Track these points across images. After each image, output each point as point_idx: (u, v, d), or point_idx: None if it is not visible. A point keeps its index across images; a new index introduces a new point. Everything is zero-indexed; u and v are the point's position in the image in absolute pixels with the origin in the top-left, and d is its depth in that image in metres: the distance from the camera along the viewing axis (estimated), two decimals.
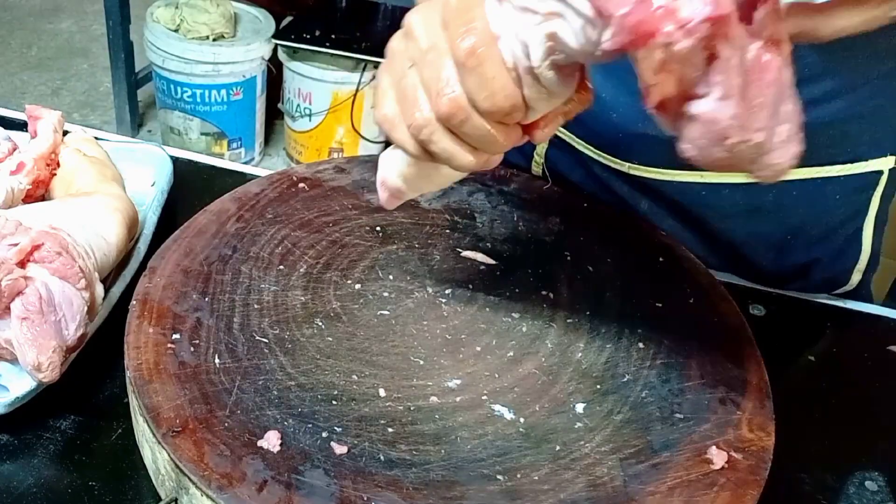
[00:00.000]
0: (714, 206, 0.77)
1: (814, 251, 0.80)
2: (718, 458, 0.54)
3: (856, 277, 0.83)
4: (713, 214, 0.78)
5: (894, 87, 0.71)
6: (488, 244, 0.72)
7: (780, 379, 0.61)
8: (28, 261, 0.59)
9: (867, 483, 0.62)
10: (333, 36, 2.38)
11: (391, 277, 0.67)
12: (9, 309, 0.57)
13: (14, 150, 0.74)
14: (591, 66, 0.73)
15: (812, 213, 0.77)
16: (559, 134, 0.81)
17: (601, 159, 0.79)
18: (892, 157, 0.74)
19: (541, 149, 0.84)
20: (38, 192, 0.73)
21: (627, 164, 0.78)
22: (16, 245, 0.58)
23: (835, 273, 0.82)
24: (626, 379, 0.60)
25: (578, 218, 0.76)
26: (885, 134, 0.73)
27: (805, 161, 0.72)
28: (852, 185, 0.76)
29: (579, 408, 0.57)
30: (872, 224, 0.80)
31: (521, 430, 0.55)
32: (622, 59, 0.65)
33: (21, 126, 0.83)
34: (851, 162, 0.74)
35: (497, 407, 0.57)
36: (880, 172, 0.75)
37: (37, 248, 0.59)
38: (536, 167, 0.85)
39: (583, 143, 0.80)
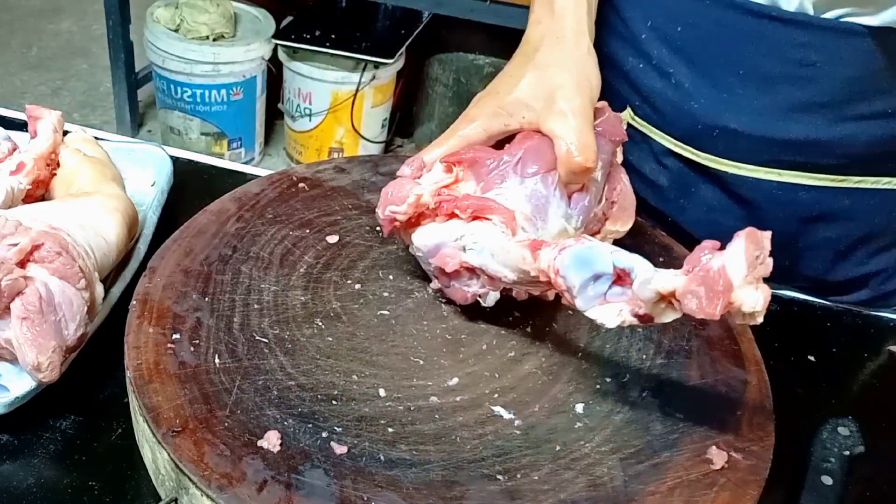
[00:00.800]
0: (787, 206, 0.77)
1: (872, 263, 0.80)
2: (718, 458, 0.54)
3: None
4: (784, 215, 0.77)
5: None
6: None
7: (780, 379, 0.61)
8: (28, 261, 0.59)
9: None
10: (333, 36, 2.38)
11: (391, 277, 0.67)
12: (9, 309, 0.57)
13: (14, 150, 0.74)
14: (675, 54, 0.76)
15: (882, 223, 0.77)
16: (635, 124, 0.81)
17: (677, 149, 0.78)
18: None
19: None
20: (38, 192, 0.73)
21: (704, 154, 0.77)
22: (16, 245, 0.58)
23: (889, 289, 0.82)
24: (626, 379, 0.60)
25: None
26: None
27: (883, 170, 0.73)
28: None
29: (579, 408, 0.57)
30: None
31: (521, 430, 0.55)
32: (706, 50, 0.73)
33: (21, 126, 0.83)
34: None
35: (497, 407, 0.57)
36: None
37: (37, 247, 0.59)
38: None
39: (660, 132, 0.79)
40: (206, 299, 0.62)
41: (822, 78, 0.69)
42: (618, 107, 0.78)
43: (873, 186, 0.74)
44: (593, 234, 0.63)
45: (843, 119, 0.70)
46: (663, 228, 0.77)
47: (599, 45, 0.77)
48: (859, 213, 0.76)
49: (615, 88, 0.80)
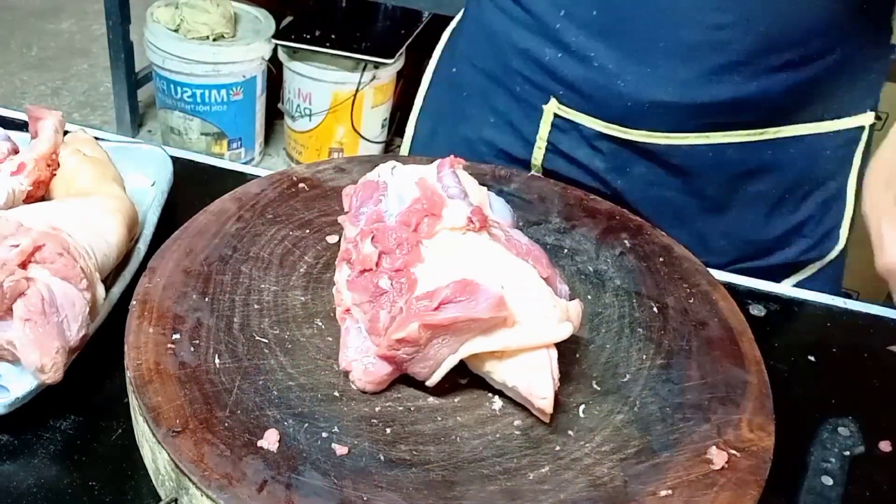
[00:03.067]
0: (718, 167, 0.80)
1: (803, 210, 0.83)
2: (718, 458, 0.54)
3: (843, 235, 0.86)
4: (716, 177, 0.81)
5: (872, 46, 0.77)
6: None
7: (780, 379, 0.61)
8: (29, 262, 0.59)
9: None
10: (333, 36, 2.38)
11: None
12: (11, 310, 0.57)
13: (14, 150, 0.74)
14: (594, 38, 0.77)
15: (805, 169, 0.81)
16: (562, 114, 0.83)
17: (608, 131, 0.80)
18: (872, 114, 0.81)
19: (543, 132, 0.85)
20: (39, 193, 0.73)
21: (636, 131, 0.79)
22: (17, 246, 0.58)
23: (824, 231, 0.85)
24: (626, 379, 0.60)
25: (578, 218, 0.76)
26: (865, 91, 0.79)
27: (800, 118, 0.76)
28: (839, 141, 0.80)
29: (579, 408, 0.57)
30: (855, 180, 0.84)
31: (520, 430, 0.55)
32: (625, 29, 0.72)
33: (21, 126, 0.83)
34: (839, 118, 0.79)
35: (497, 407, 0.57)
36: (862, 128, 0.80)
37: (38, 248, 0.59)
38: (539, 151, 0.86)
39: (589, 117, 0.81)
40: (206, 299, 0.62)
41: (737, 38, 0.72)
42: (541, 100, 0.82)
43: (791, 134, 0.78)
44: None
45: (758, 74, 0.74)
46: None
47: (512, 42, 0.81)
48: (783, 164, 0.80)
49: (536, 82, 0.82)
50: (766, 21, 0.72)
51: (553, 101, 0.82)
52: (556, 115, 0.82)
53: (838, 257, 0.88)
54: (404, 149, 1.02)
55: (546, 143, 0.85)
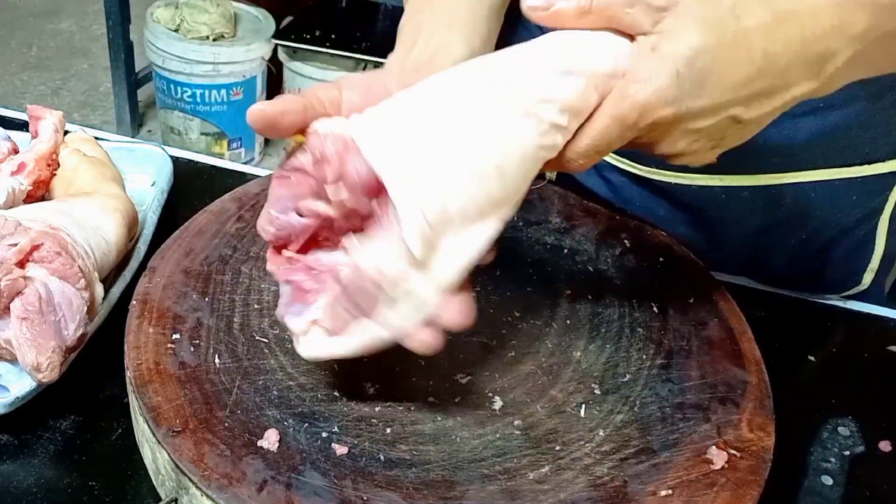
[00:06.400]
0: (732, 209, 0.78)
1: (828, 253, 0.80)
2: (718, 458, 0.54)
3: (867, 278, 0.82)
4: (730, 218, 0.78)
5: None
6: None
7: (780, 379, 0.61)
8: (27, 261, 0.59)
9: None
10: (333, 36, 2.38)
11: None
12: (8, 309, 0.57)
13: (14, 150, 0.74)
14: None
15: (828, 215, 0.78)
16: None
17: (619, 164, 0.80)
18: None
19: None
20: (39, 193, 0.73)
21: (646, 168, 0.78)
22: (15, 245, 0.58)
23: (847, 273, 0.82)
24: (626, 379, 0.60)
25: (578, 218, 0.76)
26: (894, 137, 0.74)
27: (824, 163, 0.74)
28: (868, 187, 0.76)
29: (579, 408, 0.57)
30: (887, 224, 0.80)
31: (520, 430, 0.55)
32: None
33: (21, 126, 0.83)
34: (868, 164, 0.75)
35: (497, 407, 0.57)
36: (894, 174, 0.76)
37: (36, 248, 0.59)
38: (551, 176, 0.85)
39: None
40: (206, 299, 0.62)
41: None
42: None
43: (813, 179, 0.75)
44: None
45: (780, 119, 0.71)
46: None
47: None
48: (803, 209, 0.77)
49: None
50: None
51: None
52: None
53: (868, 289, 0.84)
54: None
55: (556, 172, 0.84)
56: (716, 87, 0.47)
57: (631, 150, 0.75)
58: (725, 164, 0.72)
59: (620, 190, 0.82)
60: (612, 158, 0.80)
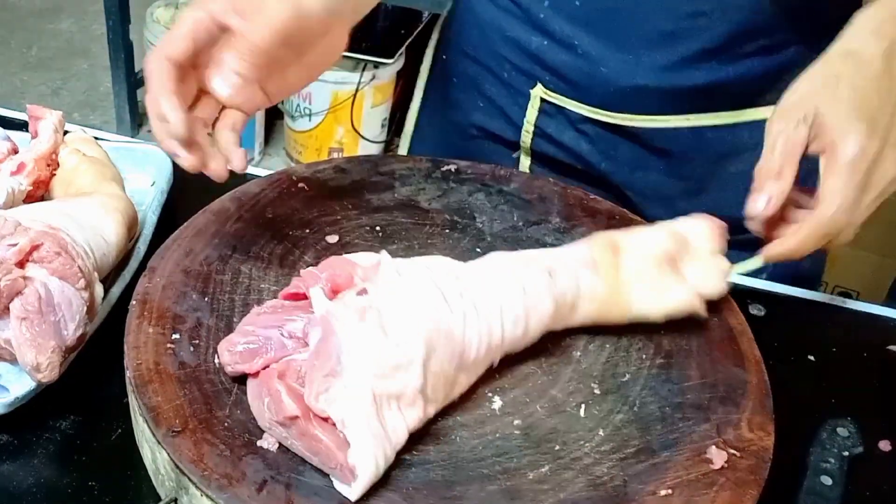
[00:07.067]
0: (698, 148, 0.83)
1: None
2: (718, 458, 0.54)
3: None
4: (697, 157, 0.84)
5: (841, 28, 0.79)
6: (488, 244, 0.72)
7: (780, 379, 0.61)
8: (27, 261, 0.59)
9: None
10: None
11: None
12: (8, 309, 0.57)
13: (14, 150, 0.74)
14: (578, 26, 0.80)
15: None
16: (549, 99, 0.86)
17: (593, 115, 0.84)
18: None
19: (531, 116, 0.87)
20: (39, 193, 0.73)
21: (619, 115, 0.82)
22: (15, 245, 0.58)
23: None
24: (626, 379, 0.60)
25: (578, 218, 0.76)
26: None
27: (774, 100, 0.77)
28: None
29: (579, 408, 0.57)
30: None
31: (520, 430, 0.55)
32: (606, 18, 0.76)
33: (21, 126, 0.83)
34: None
35: (497, 406, 0.57)
36: None
37: (36, 248, 0.59)
38: (527, 134, 0.89)
39: (574, 102, 0.84)
40: (206, 299, 0.62)
41: (714, 26, 0.76)
42: (528, 86, 0.85)
43: (765, 116, 0.79)
44: None
45: (734, 59, 0.78)
46: (595, 191, 0.82)
47: (500, 30, 0.85)
48: (758, 144, 0.82)
49: (523, 69, 0.86)
50: (743, 9, 0.75)
51: (540, 86, 0.85)
52: (542, 100, 0.86)
53: None
54: (403, 144, 1.03)
55: (534, 127, 0.88)
56: None
57: (603, 99, 0.82)
58: (692, 105, 0.80)
59: (597, 141, 0.85)
60: (586, 109, 0.84)
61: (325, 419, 0.49)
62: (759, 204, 0.61)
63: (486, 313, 0.55)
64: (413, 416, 0.52)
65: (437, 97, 0.98)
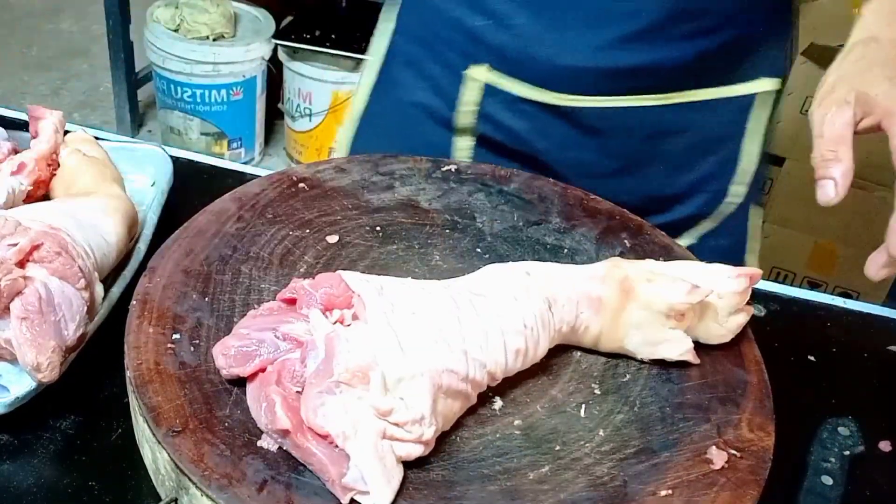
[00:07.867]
0: (629, 129, 0.85)
1: (701, 169, 0.88)
2: (718, 458, 0.54)
3: (735, 190, 0.89)
4: (627, 138, 0.85)
5: (774, 17, 0.84)
6: (488, 244, 0.72)
7: (780, 379, 0.61)
8: (27, 261, 0.59)
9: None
10: (333, 36, 2.38)
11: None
12: (8, 309, 0.57)
13: (14, 150, 0.74)
14: (516, 6, 0.81)
15: (705, 130, 0.86)
16: (488, 79, 0.86)
17: (529, 95, 0.84)
18: (771, 80, 0.85)
19: (470, 97, 0.88)
20: (39, 193, 0.73)
21: (554, 94, 0.83)
22: (15, 245, 0.58)
23: (718, 188, 0.90)
24: (626, 379, 0.60)
25: (578, 218, 0.76)
26: (766, 59, 0.84)
27: (704, 83, 0.83)
28: (734, 106, 0.85)
29: (579, 408, 0.57)
30: (757, 143, 0.88)
31: (521, 430, 0.55)
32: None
33: (21, 126, 0.83)
34: (733, 84, 0.84)
35: (497, 406, 0.57)
36: (761, 93, 0.85)
37: (36, 248, 0.59)
38: (467, 115, 0.89)
39: (512, 81, 0.85)
40: (206, 299, 0.62)
41: (646, 7, 0.77)
42: (468, 65, 0.86)
43: (693, 99, 0.83)
44: None
45: (667, 42, 0.79)
46: (533, 169, 0.84)
47: (441, 10, 0.86)
48: (685, 126, 0.86)
49: (463, 48, 0.86)
50: None
51: (480, 66, 0.86)
52: (483, 81, 0.87)
53: (737, 214, 0.92)
54: (348, 126, 1.03)
55: (476, 108, 0.88)
56: None
57: (539, 78, 0.83)
58: (627, 86, 0.82)
59: (533, 120, 0.86)
60: (523, 89, 0.84)
61: (323, 436, 0.49)
62: (828, 189, 0.59)
63: (491, 350, 0.55)
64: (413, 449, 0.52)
65: (385, 80, 0.98)
